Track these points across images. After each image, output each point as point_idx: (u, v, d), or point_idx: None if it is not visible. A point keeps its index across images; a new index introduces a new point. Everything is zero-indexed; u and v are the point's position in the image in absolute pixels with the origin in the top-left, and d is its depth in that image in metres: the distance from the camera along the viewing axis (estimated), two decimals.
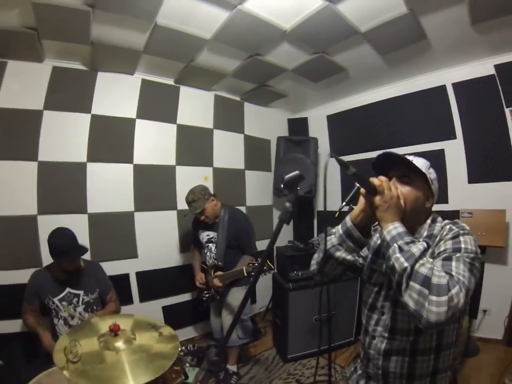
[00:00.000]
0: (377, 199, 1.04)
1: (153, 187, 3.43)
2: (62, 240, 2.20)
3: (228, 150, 4.03)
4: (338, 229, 1.17)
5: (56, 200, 2.90)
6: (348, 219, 1.15)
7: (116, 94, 3.21)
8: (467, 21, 2.40)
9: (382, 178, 1.06)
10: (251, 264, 2.49)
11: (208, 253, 2.91)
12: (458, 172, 3.19)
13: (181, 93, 3.63)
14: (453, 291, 0.87)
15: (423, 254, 0.94)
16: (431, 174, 1.16)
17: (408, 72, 3.36)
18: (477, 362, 2.81)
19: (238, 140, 4.17)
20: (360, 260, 1.34)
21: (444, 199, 3.23)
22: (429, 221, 1.18)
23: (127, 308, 3.06)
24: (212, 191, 2.93)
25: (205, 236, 2.92)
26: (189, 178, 3.47)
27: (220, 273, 2.75)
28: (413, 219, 1.14)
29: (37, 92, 2.83)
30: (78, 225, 2.75)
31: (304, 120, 4.65)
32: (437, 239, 1.11)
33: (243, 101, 4.20)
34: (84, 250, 2.28)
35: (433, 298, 0.86)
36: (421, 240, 1.09)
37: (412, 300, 0.90)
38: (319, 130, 4.43)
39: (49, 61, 2.88)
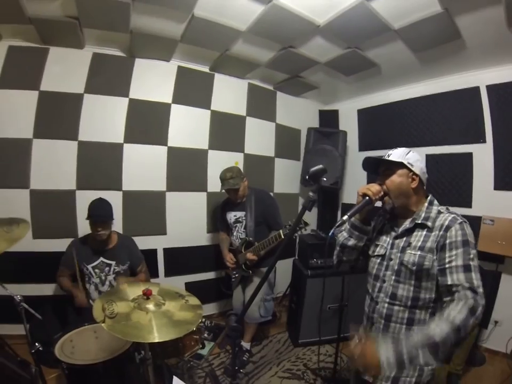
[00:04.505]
0: None
1: (185, 169, 3.58)
2: (95, 205, 2.50)
3: (259, 137, 4.11)
4: (346, 225, 1.50)
5: (94, 177, 3.12)
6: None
7: (153, 80, 3.35)
8: (504, 22, 2.32)
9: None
10: (287, 226, 2.52)
11: (235, 233, 3.03)
12: (485, 177, 3.11)
13: (215, 80, 3.72)
14: (480, 306, 1.13)
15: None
16: (410, 159, 1.37)
17: (441, 71, 3.28)
18: (480, 372, 2.81)
19: (269, 128, 4.24)
20: (368, 243, 1.56)
21: (467, 203, 3.20)
22: (426, 204, 1.38)
23: (152, 281, 3.21)
24: None
25: (232, 216, 3.04)
26: (220, 162, 3.50)
27: (252, 248, 2.85)
28: (404, 202, 1.39)
29: (78, 76, 3.03)
30: (113, 201, 2.86)
31: (335, 112, 4.65)
32: (437, 225, 1.31)
33: (276, 90, 4.23)
34: (107, 218, 2.50)
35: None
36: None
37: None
38: (349, 123, 4.42)
39: (89, 47, 3.06)
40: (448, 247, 1.24)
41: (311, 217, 4.19)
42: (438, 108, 3.43)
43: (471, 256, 1.21)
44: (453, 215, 1.30)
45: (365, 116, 4.26)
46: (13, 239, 1.72)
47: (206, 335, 3.05)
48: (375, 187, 1.38)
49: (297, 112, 4.48)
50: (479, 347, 3.04)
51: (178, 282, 3.57)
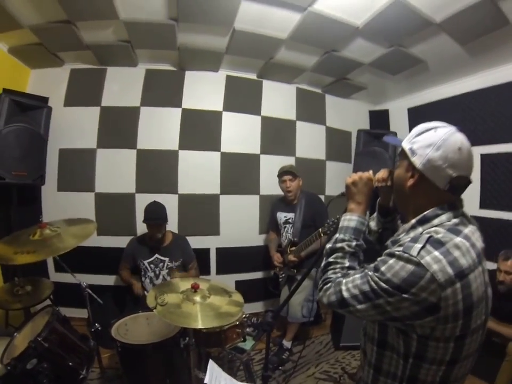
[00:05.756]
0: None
1: (238, 173, 3.74)
2: (150, 209, 2.76)
3: (310, 140, 4.13)
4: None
5: (152, 181, 3.44)
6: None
7: (203, 90, 3.58)
8: None
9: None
10: (327, 224, 2.46)
11: (284, 234, 3.13)
12: None
13: (264, 87, 3.84)
14: (326, 286, 0.99)
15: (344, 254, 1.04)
16: (415, 143, 0.94)
17: (494, 62, 3.01)
18: None
19: (319, 131, 4.23)
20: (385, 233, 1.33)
21: None
22: (413, 221, 0.96)
23: (203, 278, 3.48)
24: None
25: (282, 217, 3.14)
26: (272, 166, 3.53)
27: (294, 249, 2.94)
28: (402, 205, 1.09)
29: (134, 91, 3.40)
30: (169, 204, 3.21)
31: (385, 112, 4.50)
32: None
33: (324, 93, 4.23)
34: (160, 221, 2.75)
35: (321, 278, 1.03)
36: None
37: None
38: (400, 123, 4.24)
39: (142, 65, 3.43)
40: None
41: None
42: (493, 102, 3.14)
43: (372, 273, 0.88)
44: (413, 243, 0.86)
45: (416, 114, 4.06)
46: (84, 235, 2.02)
47: (250, 331, 3.22)
48: (382, 172, 1.13)
49: (347, 114, 4.43)
50: None
51: (229, 280, 3.70)
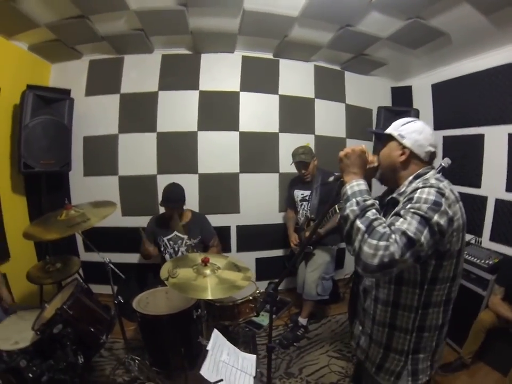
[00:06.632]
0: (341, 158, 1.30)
1: (257, 152, 3.79)
2: (167, 191, 2.86)
3: (329, 118, 4.10)
4: None
5: (172, 163, 3.58)
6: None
7: (220, 71, 3.63)
8: None
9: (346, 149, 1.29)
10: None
11: (301, 211, 3.18)
12: None
13: (280, 66, 3.82)
14: (386, 242, 0.96)
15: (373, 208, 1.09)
16: (403, 130, 1.27)
17: None
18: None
19: (339, 108, 4.17)
20: None
21: None
22: (410, 178, 1.24)
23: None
24: None
25: (299, 194, 3.18)
26: (291, 144, 3.48)
27: (311, 226, 2.99)
28: (391, 175, 1.31)
29: (152, 77, 3.51)
30: (190, 183, 3.40)
31: (408, 88, 4.31)
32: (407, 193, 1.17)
33: (343, 70, 4.14)
34: (176, 204, 2.83)
35: (369, 240, 0.99)
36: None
37: (357, 242, 1.02)
38: (423, 100, 4.05)
39: (158, 51, 3.51)
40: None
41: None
42: None
43: (418, 208, 1.02)
44: (431, 183, 1.11)
45: (440, 91, 3.86)
46: (105, 215, 2.17)
47: (268, 308, 3.32)
48: (369, 156, 1.29)
49: (368, 91, 4.30)
50: None
51: (249, 258, 3.84)
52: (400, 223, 1.01)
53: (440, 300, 1.17)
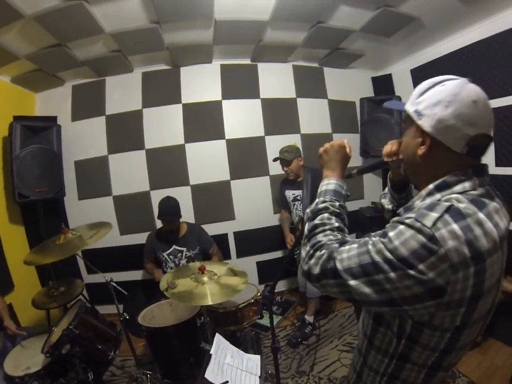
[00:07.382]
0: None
1: (245, 157, 3.82)
2: (163, 205, 2.90)
3: (313, 116, 4.11)
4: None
5: (163, 177, 3.63)
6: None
7: (200, 82, 3.67)
8: None
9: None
10: None
11: (294, 211, 3.22)
12: None
13: (259, 70, 3.85)
14: (317, 252, 0.85)
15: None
16: (421, 103, 0.82)
17: (491, 9, 2.84)
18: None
19: (322, 105, 4.19)
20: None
21: None
22: (431, 186, 0.82)
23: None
24: None
25: (290, 194, 3.22)
26: (278, 146, 3.47)
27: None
28: (415, 178, 0.95)
29: (134, 95, 3.58)
30: (183, 196, 3.42)
31: (388, 76, 4.36)
32: None
33: (322, 66, 4.16)
34: (173, 217, 2.89)
35: (307, 244, 0.91)
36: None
37: (302, 245, 0.94)
38: (404, 85, 4.09)
39: (138, 69, 3.58)
40: None
41: (372, 188, 4.15)
42: (499, 51, 2.93)
43: (379, 247, 0.74)
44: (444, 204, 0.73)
45: (419, 75, 3.89)
46: (101, 235, 2.23)
47: (275, 309, 3.37)
48: (390, 145, 1.03)
49: (349, 84, 4.34)
50: None
51: (250, 262, 3.88)
52: (346, 248, 0.81)
53: (424, 363, 0.85)
